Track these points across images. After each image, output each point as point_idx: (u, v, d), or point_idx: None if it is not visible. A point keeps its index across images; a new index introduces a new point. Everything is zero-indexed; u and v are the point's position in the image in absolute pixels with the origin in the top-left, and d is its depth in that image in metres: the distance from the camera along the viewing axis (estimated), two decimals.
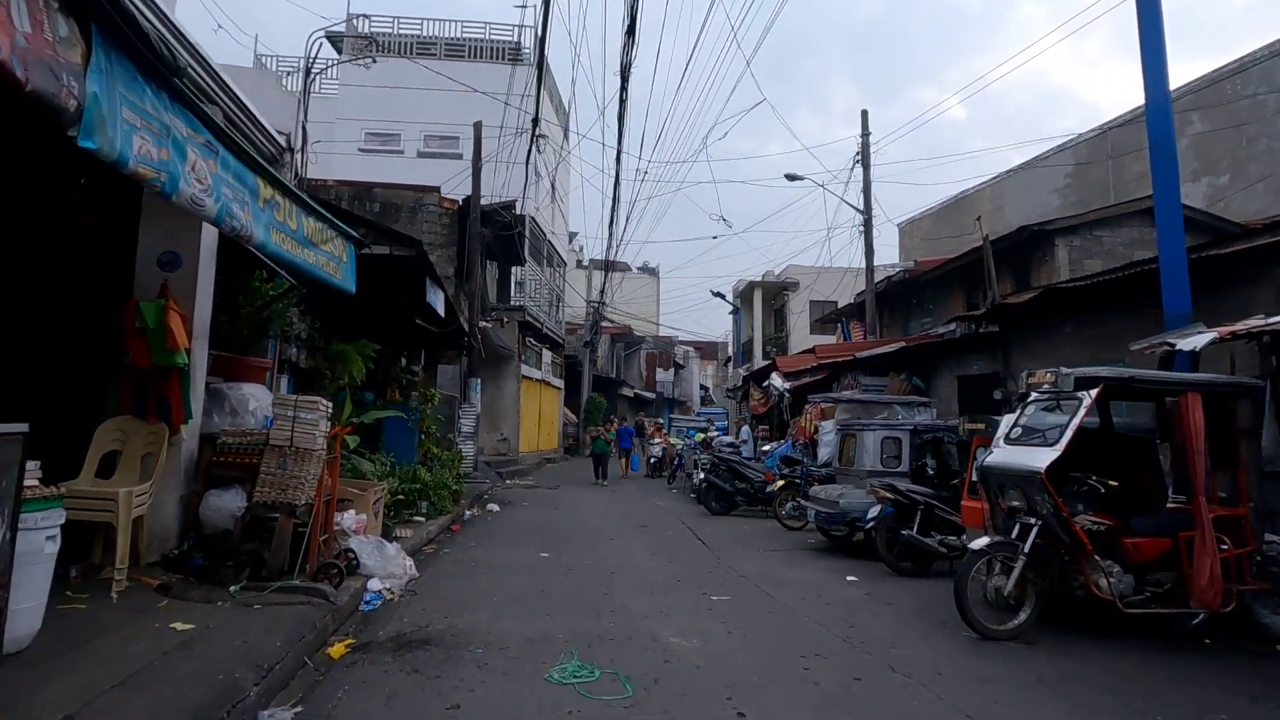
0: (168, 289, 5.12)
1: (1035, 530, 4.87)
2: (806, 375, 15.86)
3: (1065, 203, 21.53)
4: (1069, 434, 4.74)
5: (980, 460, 5.40)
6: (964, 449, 8.16)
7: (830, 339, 25.60)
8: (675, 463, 17.22)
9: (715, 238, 25.47)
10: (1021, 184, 23.94)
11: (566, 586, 6.34)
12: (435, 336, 12.70)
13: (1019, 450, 5.07)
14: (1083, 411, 4.77)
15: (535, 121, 13.86)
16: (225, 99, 5.71)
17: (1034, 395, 5.38)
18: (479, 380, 17.42)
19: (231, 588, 4.87)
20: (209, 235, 5.35)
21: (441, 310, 9.46)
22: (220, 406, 5.64)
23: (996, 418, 5.98)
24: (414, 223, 16.89)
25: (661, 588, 6.36)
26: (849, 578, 6.91)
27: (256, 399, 5.76)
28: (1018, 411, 5.43)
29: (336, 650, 4.43)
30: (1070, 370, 5.01)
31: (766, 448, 13.63)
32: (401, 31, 23.76)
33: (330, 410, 5.65)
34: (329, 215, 5.12)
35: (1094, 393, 4.80)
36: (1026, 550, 4.85)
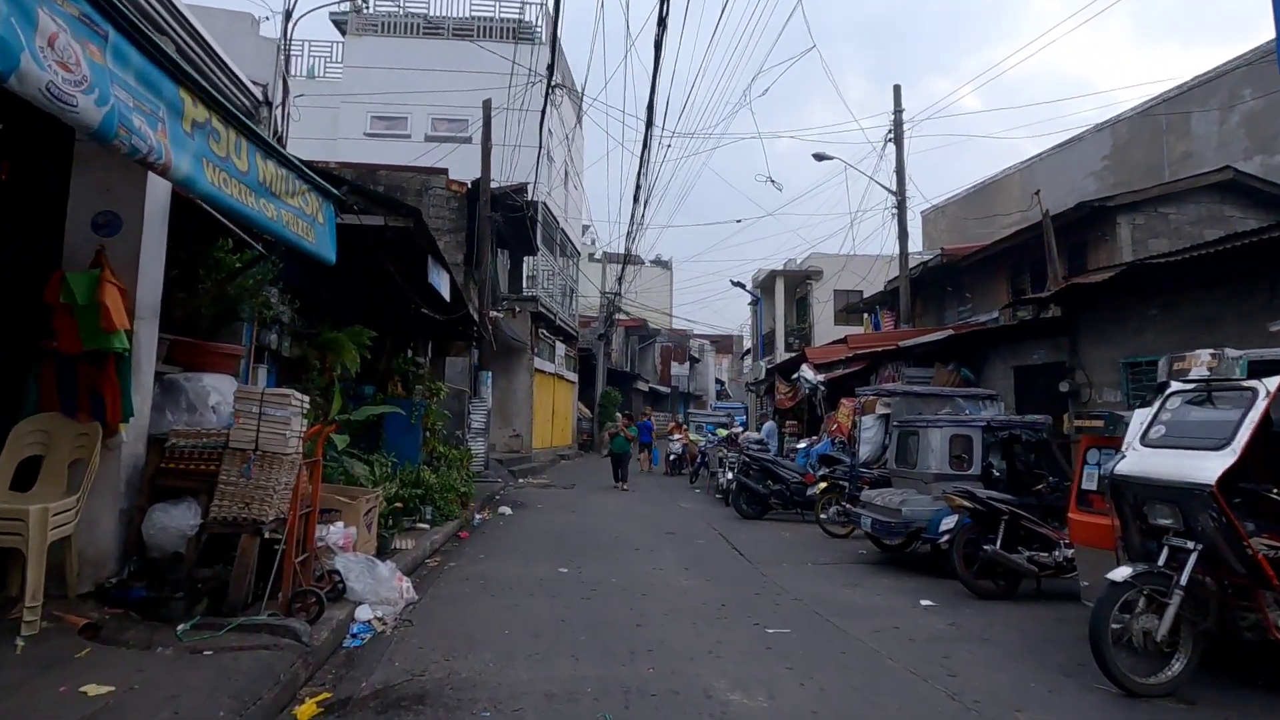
0: (104, 257, 4.14)
1: (1194, 557, 3.80)
2: (840, 367, 14.76)
3: (1103, 186, 20.20)
4: (1245, 435, 3.67)
5: (1109, 467, 4.33)
6: (1042, 449, 7.08)
7: (856, 329, 24.45)
8: (698, 461, 16.19)
9: (739, 221, 24.18)
10: (1055, 168, 22.62)
11: (591, 613, 5.35)
12: (442, 325, 11.75)
13: (1168, 455, 3.99)
14: (1262, 405, 3.70)
15: (551, 68, 12.71)
16: (178, 29, 4.72)
17: (1176, 386, 4.30)
18: (490, 374, 16.47)
19: (180, 626, 3.90)
20: (157, 191, 4.37)
21: (446, 293, 8.48)
22: (175, 402, 4.67)
23: (1123, 414, 4.89)
24: (421, 207, 15.90)
25: (705, 616, 5.34)
26: (923, 601, 5.86)
27: (220, 392, 4.78)
28: (1156, 406, 4.34)
29: (304, 712, 3.45)
30: (1238, 352, 3.93)
31: (801, 445, 12.57)
32: (408, 10, 22.77)
33: (307, 405, 4.67)
34: (298, 162, 4.12)
35: (1278, 382, 3.72)
36: (1184, 583, 3.78)
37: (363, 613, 4.97)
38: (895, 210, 18.02)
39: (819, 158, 18.02)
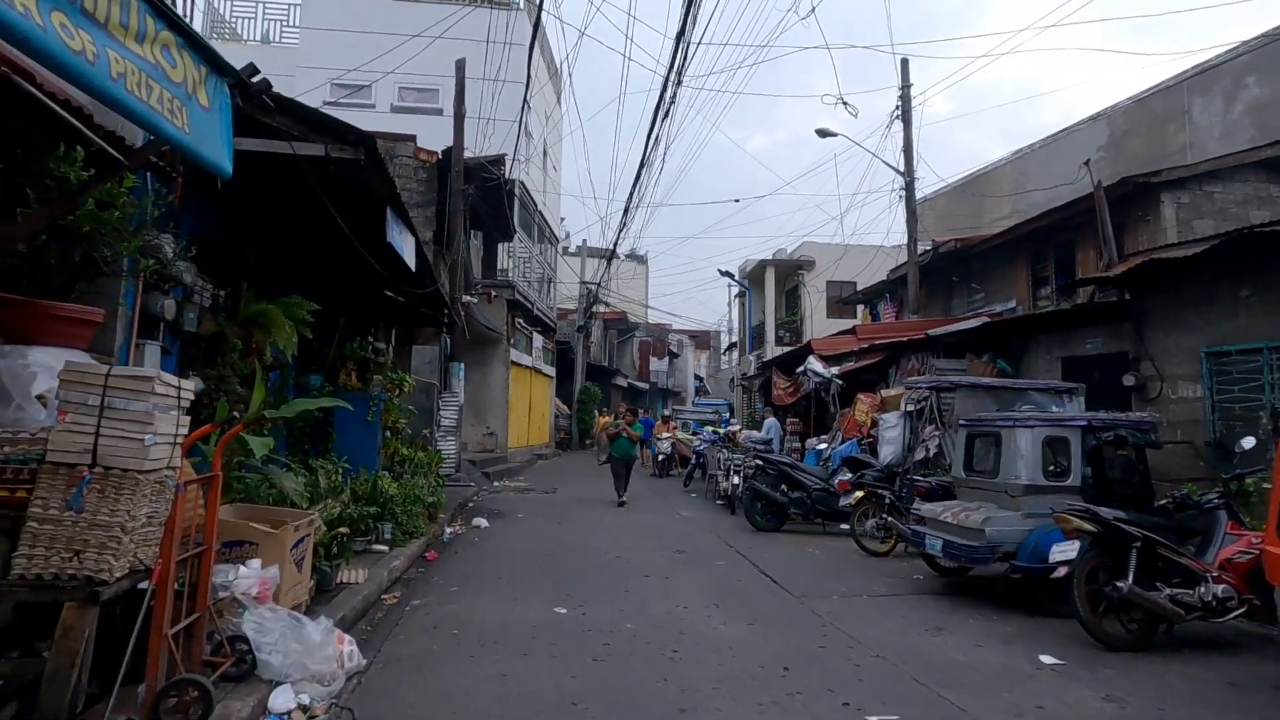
0: None
1: None
2: (851, 359, 13.43)
3: (1100, 177, 19.20)
4: None
5: None
6: (1140, 454, 5.74)
7: (849, 323, 23.24)
8: (693, 461, 14.72)
9: (737, 201, 22.27)
10: (1047, 159, 21.63)
11: (611, 687, 3.82)
12: (407, 306, 10.08)
13: None
14: None
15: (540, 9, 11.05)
16: None
17: None
18: (462, 365, 14.80)
19: None
20: None
21: (411, 259, 6.86)
22: None
23: None
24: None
25: (769, 689, 3.85)
26: (1044, 658, 4.44)
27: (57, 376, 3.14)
28: None
29: None
30: None
31: (822, 445, 11.16)
32: None
33: (189, 394, 3.06)
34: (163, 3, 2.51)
35: None
36: None
37: (280, 699, 3.40)
38: (903, 192, 16.77)
39: (822, 134, 16.67)
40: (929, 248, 16.83)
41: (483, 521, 9.43)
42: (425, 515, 8.30)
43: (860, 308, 22.37)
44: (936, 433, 10.18)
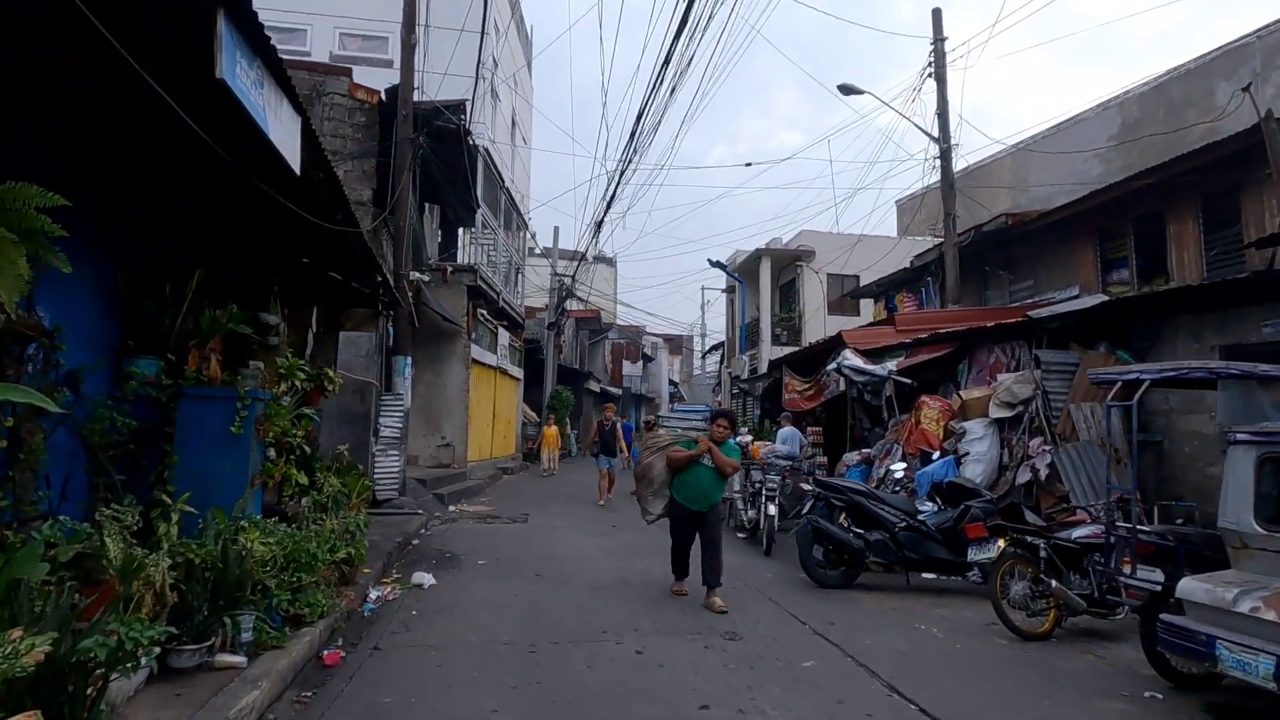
0: None
1: None
2: (895, 354, 10.83)
3: (1110, 169, 17.11)
4: None
5: None
6: None
7: (853, 320, 20.82)
8: None
9: (749, 165, 18.92)
10: (1053, 150, 19.53)
11: None
12: (323, 274, 7.08)
13: None
14: None
15: None
16: None
17: None
18: (409, 361, 11.78)
19: None
20: None
21: (295, 158, 3.97)
22: None
23: None
24: (312, 121, 11.16)
25: None
26: None
27: None
28: None
29: None
30: None
31: (897, 466, 8.45)
32: None
33: None
34: None
35: None
36: None
37: None
38: (937, 161, 14.35)
39: (846, 90, 14.15)
40: (999, 217, 14.29)
41: (426, 578, 6.47)
42: (334, 577, 5.35)
43: (870, 303, 19.95)
44: (1046, 447, 7.60)
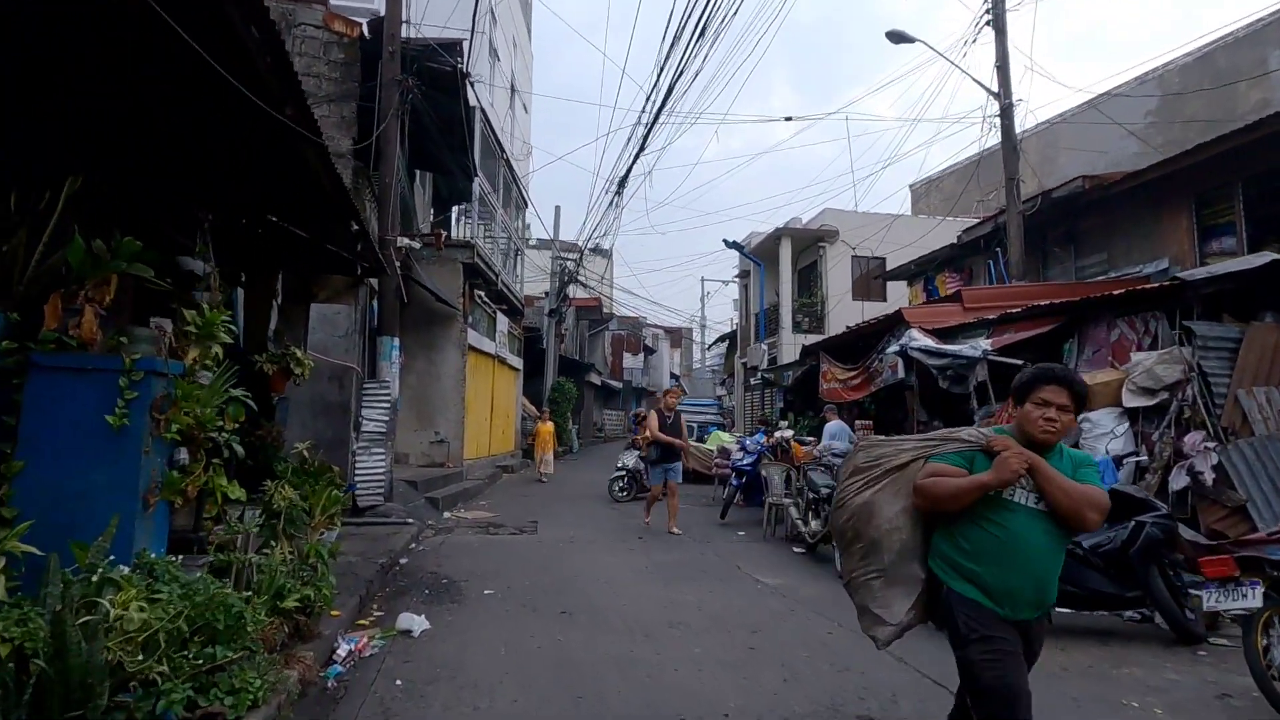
0: None
1: None
2: (966, 334, 9.21)
3: (1147, 149, 15.52)
4: None
5: None
6: None
7: (878, 305, 19.25)
8: (734, 482, 10.24)
9: (789, 119, 17.56)
10: (1082, 127, 17.94)
11: None
12: (284, 230, 5.35)
13: None
14: None
15: None
16: None
17: None
18: (397, 343, 10.05)
19: None
20: None
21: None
22: None
23: None
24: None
25: None
26: None
27: None
28: None
29: None
30: None
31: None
32: None
33: None
34: None
35: None
36: None
37: None
38: (998, 119, 12.71)
39: (895, 38, 12.48)
40: (1075, 180, 12.64)
41: (416, 621, 4.77)
42: (281, 634, 3.65)
43: (902, 286, 18.32)
44: (1210, 444, 5.97)
